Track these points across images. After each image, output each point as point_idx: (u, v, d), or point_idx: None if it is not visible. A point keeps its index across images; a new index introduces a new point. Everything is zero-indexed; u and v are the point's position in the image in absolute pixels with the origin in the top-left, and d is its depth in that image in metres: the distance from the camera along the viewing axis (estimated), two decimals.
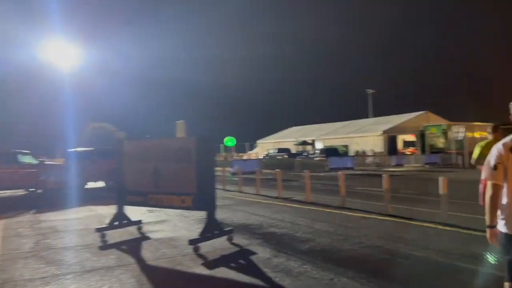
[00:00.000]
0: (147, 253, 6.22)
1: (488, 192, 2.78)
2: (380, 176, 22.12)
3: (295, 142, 44.00)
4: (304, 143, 43.09)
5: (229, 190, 15.61)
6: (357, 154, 34.57)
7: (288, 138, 47.83)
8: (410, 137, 43.71)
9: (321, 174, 24.52)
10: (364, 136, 38.78)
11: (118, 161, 7.69)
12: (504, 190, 2.74)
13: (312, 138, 43.65)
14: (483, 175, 2.88)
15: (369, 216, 8.75)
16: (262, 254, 5.88)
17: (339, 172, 10.66)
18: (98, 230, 7.30)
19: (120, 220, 7.69)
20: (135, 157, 7.37)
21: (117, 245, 6.79)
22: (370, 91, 61.80)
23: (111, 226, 7.53)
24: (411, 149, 42.51)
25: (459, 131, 30.84)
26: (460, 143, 32.55)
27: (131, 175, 7.44)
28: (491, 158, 2.78)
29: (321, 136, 43.17)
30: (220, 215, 9.24)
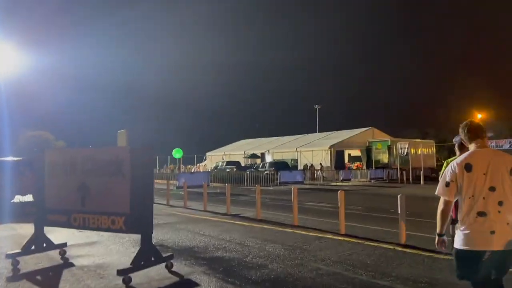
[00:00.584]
0: (66, 285, 5.14)
1: (440, 207, 2.94)
2: (330, 191, 22.16)
3: (245, 155, 43.37)
4: (254, 156, 42.57)
5: (173, 206, 14.52)
6: (306, 168, 34.51)
7: (238, 151, 47.09)
8: (356, 152, 44.68)
9: (271, 188, 23.99)
10: (313, 150, 38.97)
11: (37, 173, 6.52)
12: (461, 207, 2.86)
13: (262, 151, 43.26)
14: (436, 191, 2.98)
15: (324, 235, 8.15)
16: (206, 285, 5.01)
17: (292, 187, 10.02)
18: (9, 256, 6.06)
19: (39, 243, 6.47)
20: (59, 169, 6.25)
21: (30, 275, 5.63)
22: (317, 106, 63.69)
23: (26, 251, 6.31)
24: (357, 163, 43.43)
25: (403, 147, 31.73)
26: (404, 159, 33.52)
27: (53, 190, 6.30)
28: (446, 176, 2.91)
29: (271, 149, 42.90)
30: (161, 235, 8.25)
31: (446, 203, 2.90)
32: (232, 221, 10.39)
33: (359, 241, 7.57)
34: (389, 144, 36.82)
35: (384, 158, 37.94)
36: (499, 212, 2.73)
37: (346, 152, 42.12)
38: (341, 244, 7.34)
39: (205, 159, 52.18)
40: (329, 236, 8.10)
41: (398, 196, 7.35)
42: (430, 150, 36.91)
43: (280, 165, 31.71)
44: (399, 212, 7.28)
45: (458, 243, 2.83)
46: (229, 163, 37.05)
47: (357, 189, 22.90)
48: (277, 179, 26.58)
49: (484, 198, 2.75)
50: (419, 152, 34.55)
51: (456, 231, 2.92)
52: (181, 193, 17.25)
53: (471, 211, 2.77)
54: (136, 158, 5.46)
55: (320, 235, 8.22)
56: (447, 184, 2.87)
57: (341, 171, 31.44)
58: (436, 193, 2.96)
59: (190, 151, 53.26)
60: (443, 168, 6.30)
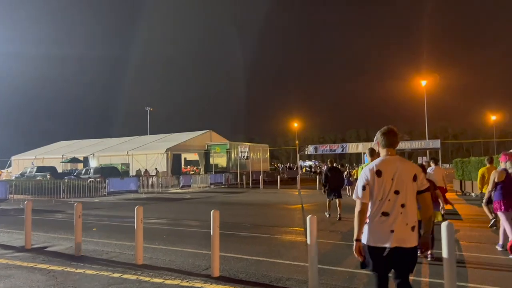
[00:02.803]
0: None
1: (357, 209, 3.14)
2: (171, 200, 19.02)
3: (63, 159, 36.47)
4: (75, 160, 36.07)
5: None
6: (140, 174, 30.42)
7: (54, 154, 39.43)
8: (192, 156, 42.49)
9: (97, 200, 19.50)
10: (147, 154, 35.06)
11: None
12: (369, 207, 3.12)
13: (85, 155, 37.06)
14: (353, 195, 3.20)
15: (192, 284, 5.15)
16: None
17: (136, 208, 6.60)
18: None
19: None
20: None
21: None
22: (148, 108, 59.94)
23: None
24: (195, 168, 41.35)
25: (244, 151, 30.84)
26: (243, 162, 32.77)
27: None
28: (360, 180, 3.18)
29: (96, 152, 37.10)
30: None
31: (363, 205, 3.12)
32: (32, 264, 6.41)
33: None
34: (228, 147, 35.79)
35: (223, 162, 36.75)
36: (401, 213, 3.00)
37: (182, 156, 39.54)
38: None
39: (10, 165, 42.41)
40: (199, 284, 5.14)
41: (308, 218, 4.87)
42: (266, 154, 37.32)
43: (108, 171, 26.94)
44: (309, 241, 4.81)
45: (364, 239, 3.10)
46: (41, 169, 30.11)
47: (201, 197, 20.40)
48: (105, 188, 22.04)
49: (389, 200, 3.03)
50: (258, 155, 34.46)
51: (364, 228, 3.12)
52: None
53: (377, 211, 3.05)
54: None
55: (184, 283, 5.18)
56: (364, 188, 3.11)
57: (180, 176, 28.55)
58: (353, 197, 3.17)
59: None
60: (358, 173, 6.94)
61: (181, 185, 26.73)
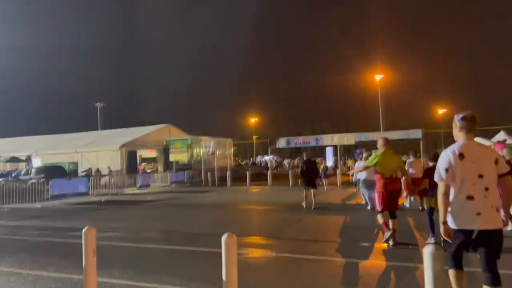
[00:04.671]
0: None
1: (440, 191, 3.20)
2: (129, 203, 16.20)
3: (1, 159, 32.13)
4: (15, 159, 31.88)
5: None
6: (90, 174, 27.01)
7: None
8: (148, 153, 39.25)
9: (38, 205, 16.28)
10: (98, 151, 31.53)
11: None
12: (452, 191, 3.18)
13: (27, 154, 32.90)
14: (435, 177, 3.25)
15: None
16: None
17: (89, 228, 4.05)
18: None
19: None
20: None
21: None
22: (100, 104, 56.02)
23: None
24: (153, 165, 38.17)
25: (209, 146, 28.26)
26: (207, 158, 30.18)
27: None
28: (442, 163, 3.22)
29: (40, 150, 33.04)
30: None
31: (446, 188, 3.16)
32: None
33: None
34: (190, 142, 33.00)
35: (184, 158, 33.91)
36: (485, 196, 3.07)
37: (138, 153, 36.25)
38: None
39: None
40: None
41: (427, 251, 2.62)
42: (231, 149, 34.97)
43: (52, 171, 23.40)
44: None
45: (449, 222, 3.14)
46: None
47: (164, 199, 17.69)
48: (48, 191, 18.76)
49: (473, 184, 3.08)
50: (223, 151, 32.04)
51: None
52: None
53: (461, 194, 3.10)
54: None
55: None
56: (447, 170, 3.17)
57: (138, 175, 25.54)
58: (435, 179, 3.25)
59: None
60: (371, 160, 6.81)
61: (139, 185, 23.79)
